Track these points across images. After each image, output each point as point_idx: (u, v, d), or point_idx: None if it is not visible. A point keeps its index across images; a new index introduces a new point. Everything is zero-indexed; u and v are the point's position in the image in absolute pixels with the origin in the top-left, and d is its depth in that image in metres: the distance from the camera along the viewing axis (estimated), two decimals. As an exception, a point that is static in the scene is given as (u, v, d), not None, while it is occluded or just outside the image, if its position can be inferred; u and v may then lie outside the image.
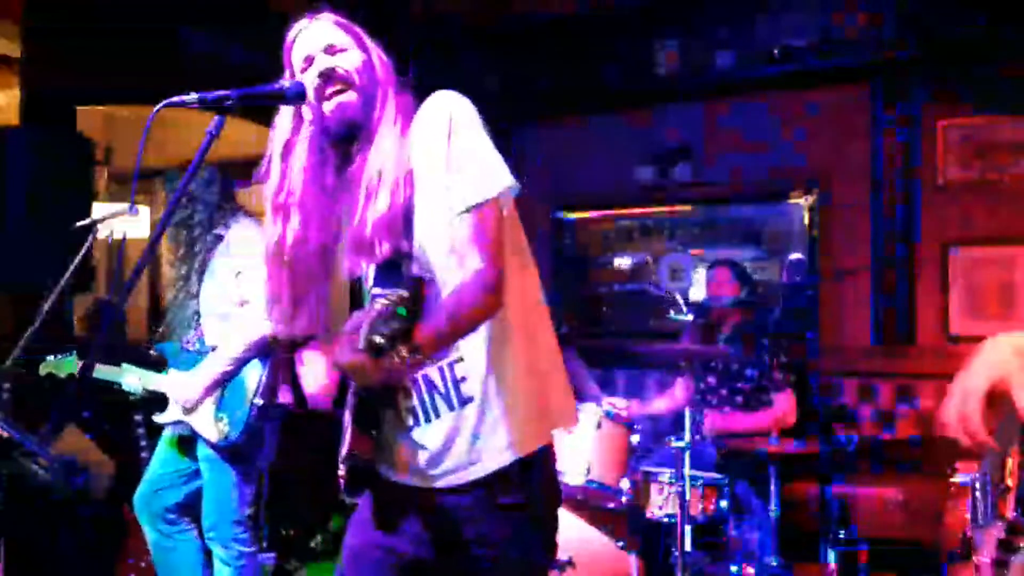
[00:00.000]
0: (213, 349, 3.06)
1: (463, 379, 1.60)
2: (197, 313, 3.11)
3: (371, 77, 1.64)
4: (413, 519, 1.66)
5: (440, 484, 1.63)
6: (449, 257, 1.57)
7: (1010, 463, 1.52)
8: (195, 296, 3.10)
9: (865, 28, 4.84)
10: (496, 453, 1.60)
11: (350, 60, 1.64)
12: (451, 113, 1.58)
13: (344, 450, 1.59)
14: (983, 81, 4.66)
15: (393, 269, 1.58)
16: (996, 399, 1.34)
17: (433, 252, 1.58)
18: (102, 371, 3.11)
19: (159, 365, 3.19)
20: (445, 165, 1.56)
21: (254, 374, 3.04)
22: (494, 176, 1.56)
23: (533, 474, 1.62)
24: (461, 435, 1.60)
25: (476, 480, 1.60)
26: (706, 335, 4.23)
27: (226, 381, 3.03)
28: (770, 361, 4.05)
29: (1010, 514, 1.51)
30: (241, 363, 3.02)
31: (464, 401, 1.60)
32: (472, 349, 1.59)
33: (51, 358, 3.23)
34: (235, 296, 3.06)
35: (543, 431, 1.66)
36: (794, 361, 4.13)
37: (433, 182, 1.57)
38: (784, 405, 3.96)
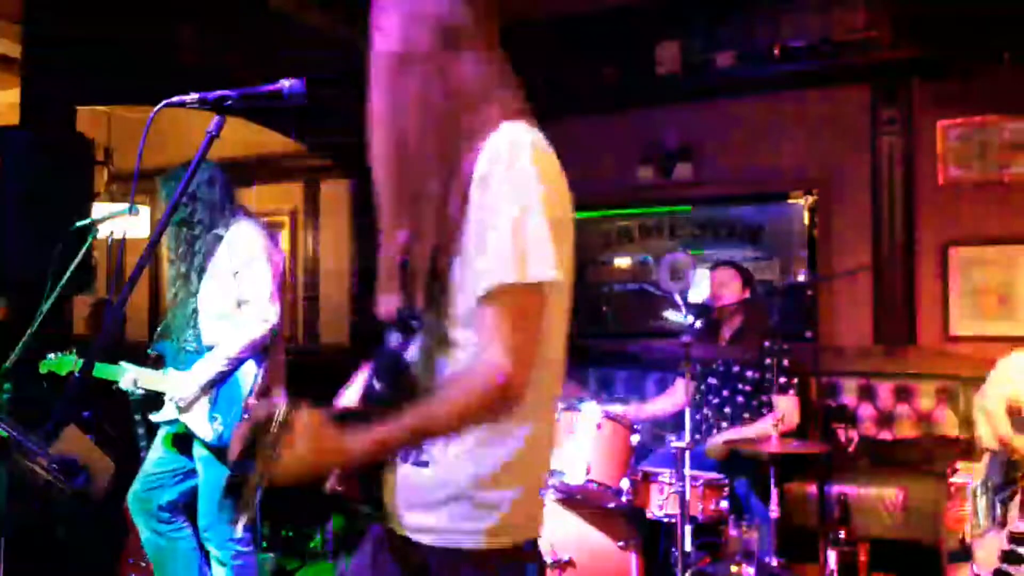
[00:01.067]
0: (211, 349, 3.06)
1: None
2: (196, 312, 3.11)
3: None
4: (385, 556, 1.53)
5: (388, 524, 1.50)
6: (466, 327, 1.38)
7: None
8: (194, 295, 3.10)
9: (865, 28, 4.84)
10: (426, 531, 1.43)
11: (383, 44, 1.48)
12: (523, 167, 1.34)
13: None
14: (983, 81, 4.66)
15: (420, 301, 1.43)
16: (1010, 415, 1.39)
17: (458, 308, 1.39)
18: (100, 369, 3.11)
19: (157, 364, 3.19)
20: (489, 224, 1.34)
21: (249, 375, 3.05)
22: (542, 259, 1.32)
23: (456, 570, 1.41)
24: (402, 491, 1.46)
25: (406, 539, 1.46)
26: (707, 336, 4.24)
27: (222, 381, 3.03)
28: (772, 363, 4.04)
29: (1015, 524, 1.51)
30: (237, 363, 3.03)
31: (419, 463, 1.44)
32: None
33: (52, 356, 3.24)
34: (233, 296, 3.06)
35: (496, 534, 1.41)
36: (796, 362, 4.13)
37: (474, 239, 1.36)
38: (787, 408, 3.96)
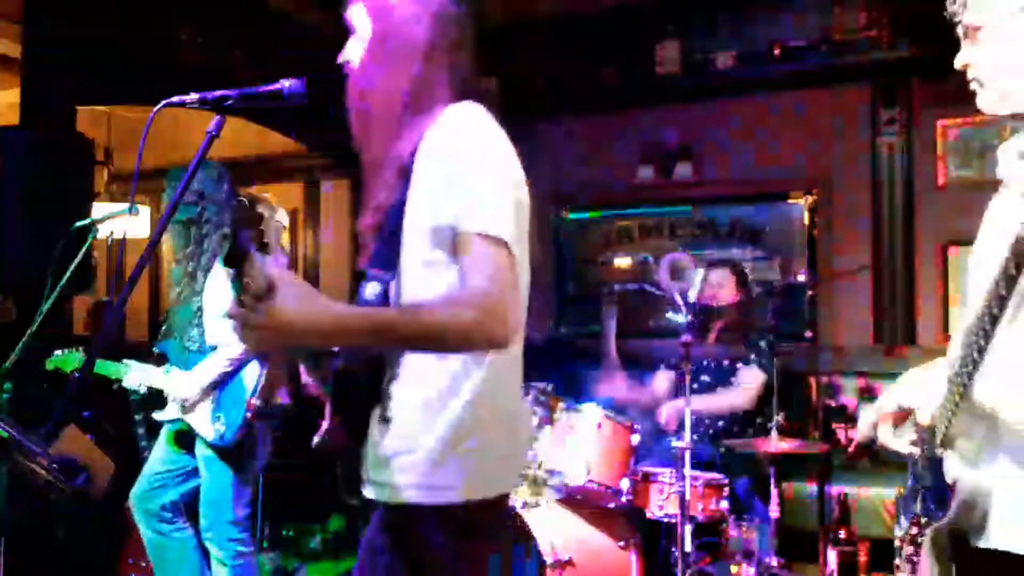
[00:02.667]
0: (213, 348, 3.06)
1: (390, 397, 1.48)
2: (200, 311, 3.11)
3: (366, 61, 1.56)
4: (371, 528, 1.56)
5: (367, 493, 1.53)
6: (426, 269, 1.45)
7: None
8: (199, 294, 3.11)
9: (865, 28, 4.83)
10: (380, 486, 1.48)
11: (354, 46, 1.59)
12: (481, 136, 1.46)
13: (317, 436, 1.50)
14: (983, 81, 4.65)
15: (386, 253, 1.51)
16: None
17: (409, 264, 1.48)
18: (104, 367, 3.12)
19: (160, 363, 3.19)
20: (452, 185, 1.42)
21: (252, 375, 3.05)
22: (502, 220, 1.41)
23: (417, 527, 1.46)
24: (372, 450, 1.49)
25: (377, 502, 1.50)
26: (698, 335, 4.22)
27: (225, 381, 3.04)
28: (759, 351, 4.03)
29: (915, 513, 1.60)
30: (240, 364, 3.03)
31: (384, 419, 1.48)
32: (411, 374, 1.47)
33: (58, 353, 3.25)
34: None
35: (444, 491, 1.44)
36: (774, 344, 4.07)
37: (428, 193, 1.45)
38: (747, 378, 3.91)
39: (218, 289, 3.09)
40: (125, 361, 3.16)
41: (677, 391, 4.11)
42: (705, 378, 4.16)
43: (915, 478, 1.69)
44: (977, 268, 1.48)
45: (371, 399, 1.49)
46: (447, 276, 1.42)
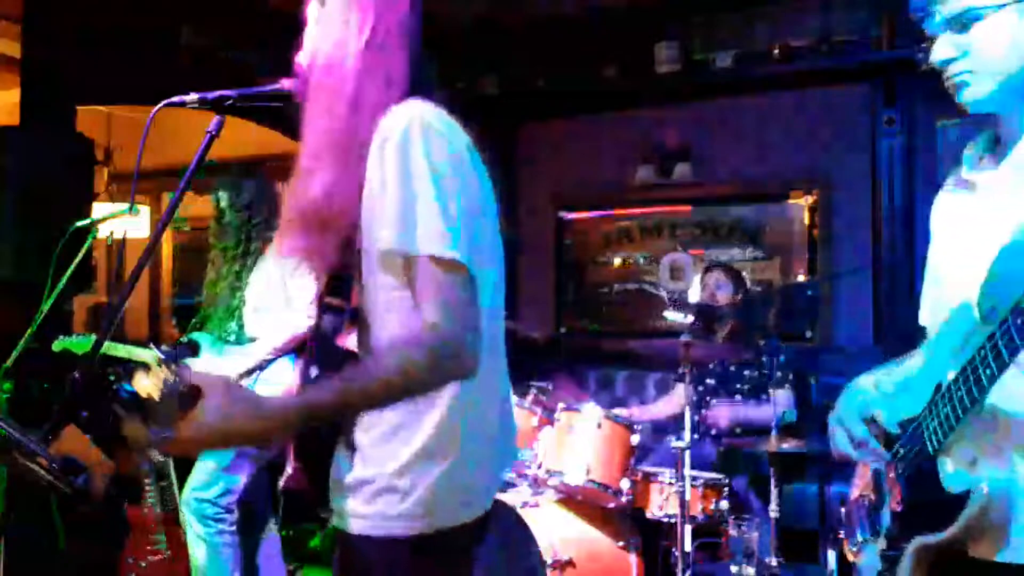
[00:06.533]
0: (250, 341, 3.21)
1: (355, 423, 1.42)
2: (241, 307, 3.28)
3: (317, 55, 1.52)
4: (338, 554, 1.56)
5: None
6: (381, 296, 1.39)
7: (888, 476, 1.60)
8: (241, 291, 3.29)
9: (865, 28, 4.83)
10: (338, 514, 1.45)
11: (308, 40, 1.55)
12: (414, 142, 1.33)
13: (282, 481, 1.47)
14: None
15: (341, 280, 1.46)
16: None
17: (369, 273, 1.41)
18: (127, 351, 3.21)
19: (192, 353, 3.33)
20: (383, 195, 1.34)
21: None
22: (431, 235, 1.30)
23: (367, 558, 1.43)
24: (334, 475, 1.45)
25: (337, 528, 1.47)
26: (704, 337, 4.24)
27: (261, 368, 3.16)
28: (770, 361, 4.05)
29: (886, 526, 1.56)
30: (279, 354, 3.15)
31: (348, 444, 1.43)
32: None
33: (64, 337, 3.31)
34: (282, 295, 3.20)
35: (410, 519, 1.38)
36: (792, 360, 4.13)
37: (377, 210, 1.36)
38: (784, 403, 3.96)
39: (263, 288, 3.27)
40: (151, 346, 3.30)
41: (699, 404, 4.12)
42: (711, 382, 4.16)
43: (877, 494, 1.65)
44: (958, 266, 1.45)
45: (334, 432, 1.44)
46: (402, 305, 1.35)
